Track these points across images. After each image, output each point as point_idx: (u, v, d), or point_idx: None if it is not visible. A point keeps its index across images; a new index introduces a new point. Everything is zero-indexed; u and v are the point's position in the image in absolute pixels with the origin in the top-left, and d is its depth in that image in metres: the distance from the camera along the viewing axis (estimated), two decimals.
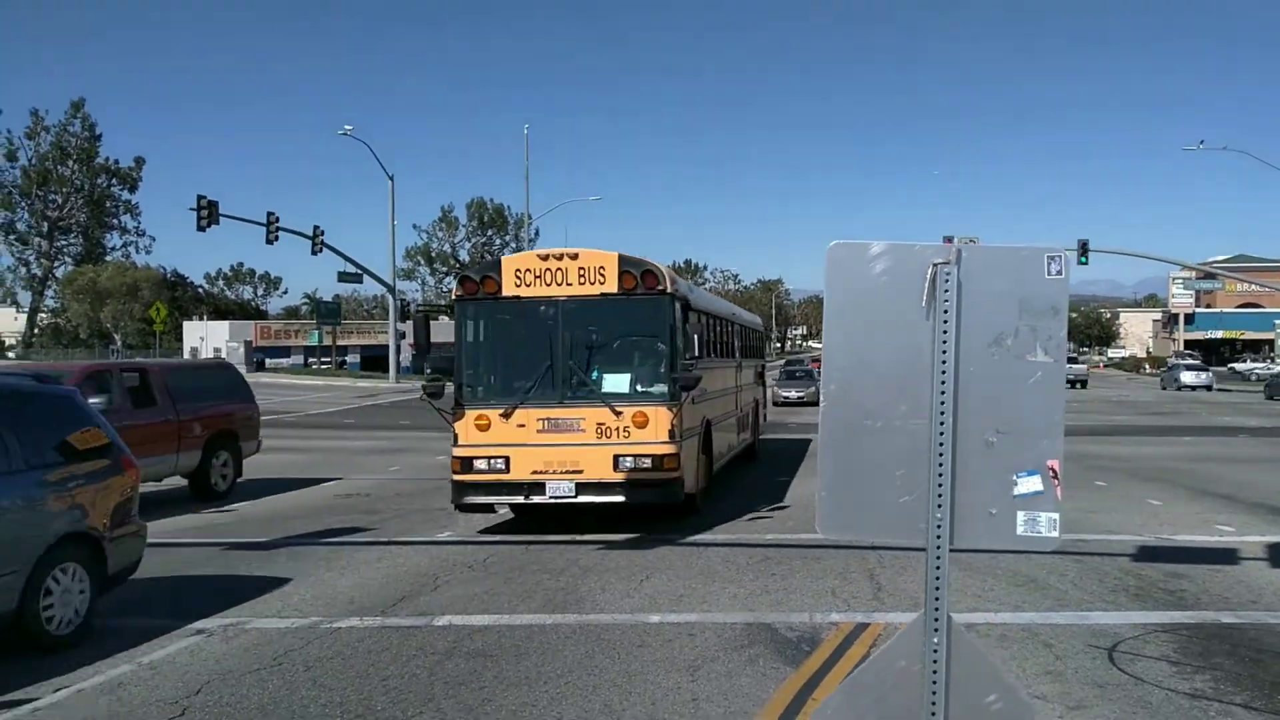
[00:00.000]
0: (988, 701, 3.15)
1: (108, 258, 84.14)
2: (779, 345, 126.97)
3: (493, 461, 10.96)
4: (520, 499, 11.07)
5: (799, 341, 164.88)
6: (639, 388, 11.19)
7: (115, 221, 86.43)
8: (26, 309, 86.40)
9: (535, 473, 10.91)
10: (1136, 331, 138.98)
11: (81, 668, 6.62)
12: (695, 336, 11.55)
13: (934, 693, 3.15)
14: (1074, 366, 58.07)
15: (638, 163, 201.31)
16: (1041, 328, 3.28)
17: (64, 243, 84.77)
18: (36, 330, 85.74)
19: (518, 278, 11.21)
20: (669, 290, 11.16)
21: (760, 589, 8.57)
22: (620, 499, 10.90)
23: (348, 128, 48.94)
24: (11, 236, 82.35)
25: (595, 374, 11.23)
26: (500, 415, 11.01)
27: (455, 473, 11.18)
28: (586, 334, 11.32)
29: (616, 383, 11.20)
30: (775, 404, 34.36)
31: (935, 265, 3.31)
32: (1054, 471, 3.26)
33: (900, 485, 3.32)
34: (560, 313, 11.13)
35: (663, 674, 6.34)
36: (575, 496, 10.86)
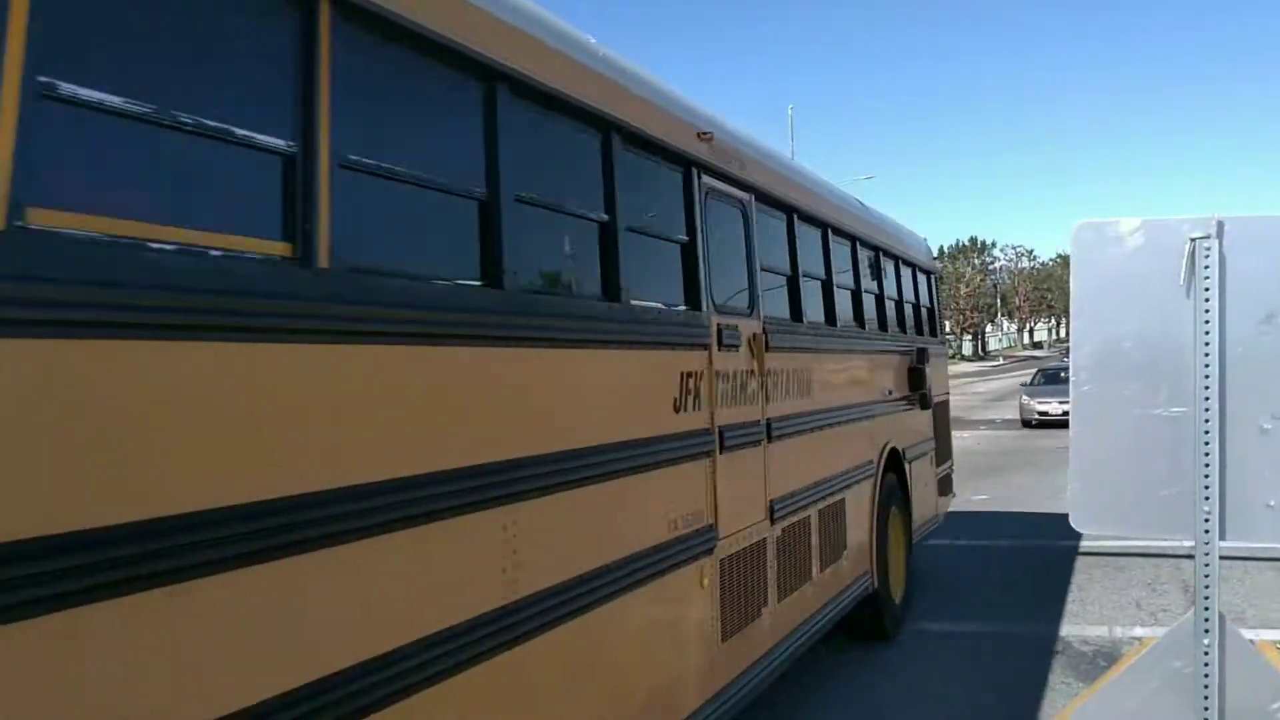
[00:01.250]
0: (1273, 709, 2.89)
1: None
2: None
3: None
4: None
5: None
6: None
7: None
8: None
9: None
10: None
11: None
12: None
13: (1206, 696, 2.94)
14: None
15: (913, 138, 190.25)
16: None
17: None
18: None
19: None
20: None
21: (1053, 598, 8.08)
22: None
23: None
24: None
25: None
26: None
27: None
28: None
29: None
30: (1028, 424, 24.23)
31: (1193, 240, 3.11)
32: None
33: (1162, 477, 3.13)
34: None
35: (940, 684, 6.19)
36: None
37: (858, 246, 6.90)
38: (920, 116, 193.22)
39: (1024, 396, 25.06)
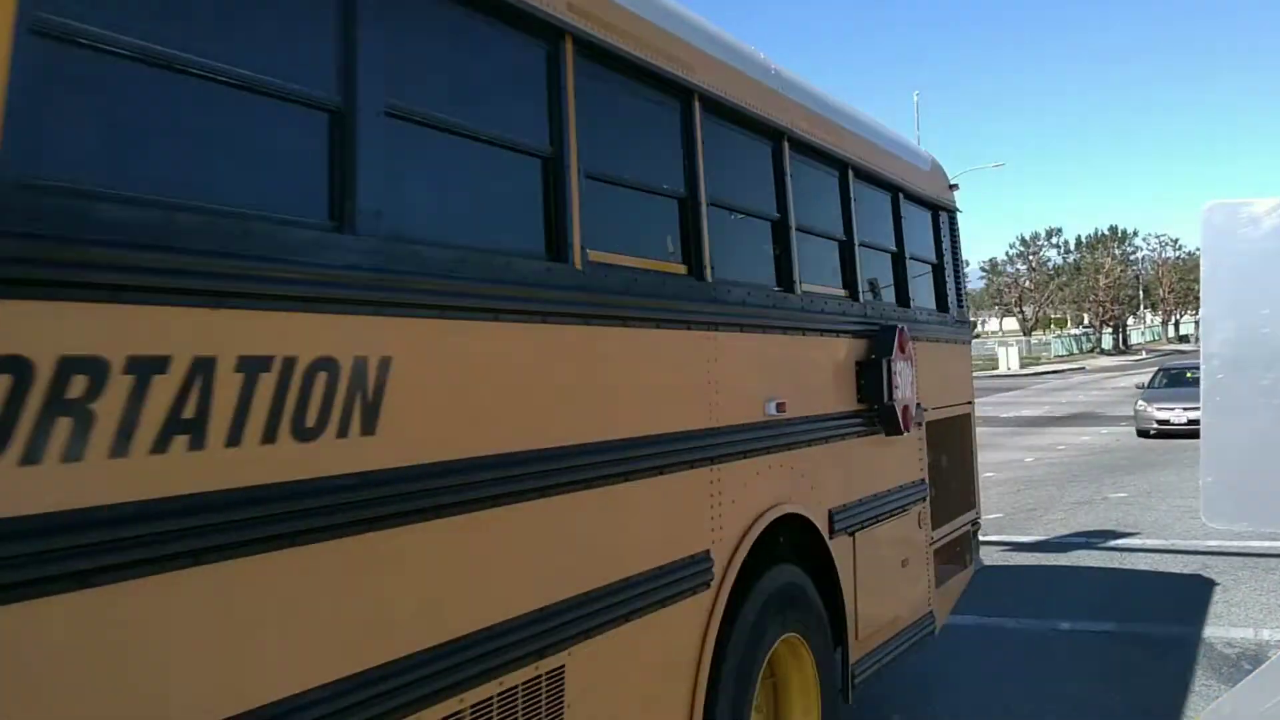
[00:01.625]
0: None
1: None
2: None
3: None
4: None
5: None
6: None
7: None
8: None
9: None
10: None
11: None
12: None
13: None
14: None
15: (1045, 123, 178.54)
16: None
17: None
18: None
19: None
20: None
21: (1195, 599, 7.70)
22: None
23: None
24: None
25: None
26: None
27: None
28: None
29: None
30: (1145, 434, 19.55)
31: None
32: None
33: None
34: None
35: (1073, 683, 6.00)
36: None
37: (695, 106, 3.52)
38: (1060, 103, 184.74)
39: (1140, 401, 20.06)
